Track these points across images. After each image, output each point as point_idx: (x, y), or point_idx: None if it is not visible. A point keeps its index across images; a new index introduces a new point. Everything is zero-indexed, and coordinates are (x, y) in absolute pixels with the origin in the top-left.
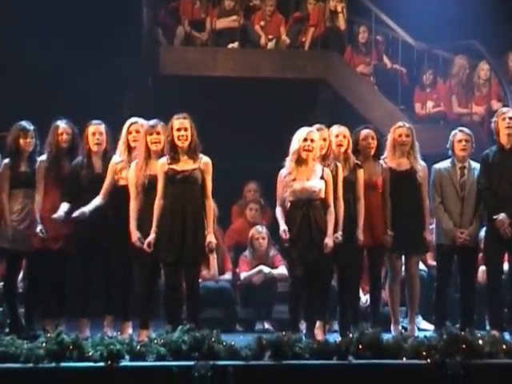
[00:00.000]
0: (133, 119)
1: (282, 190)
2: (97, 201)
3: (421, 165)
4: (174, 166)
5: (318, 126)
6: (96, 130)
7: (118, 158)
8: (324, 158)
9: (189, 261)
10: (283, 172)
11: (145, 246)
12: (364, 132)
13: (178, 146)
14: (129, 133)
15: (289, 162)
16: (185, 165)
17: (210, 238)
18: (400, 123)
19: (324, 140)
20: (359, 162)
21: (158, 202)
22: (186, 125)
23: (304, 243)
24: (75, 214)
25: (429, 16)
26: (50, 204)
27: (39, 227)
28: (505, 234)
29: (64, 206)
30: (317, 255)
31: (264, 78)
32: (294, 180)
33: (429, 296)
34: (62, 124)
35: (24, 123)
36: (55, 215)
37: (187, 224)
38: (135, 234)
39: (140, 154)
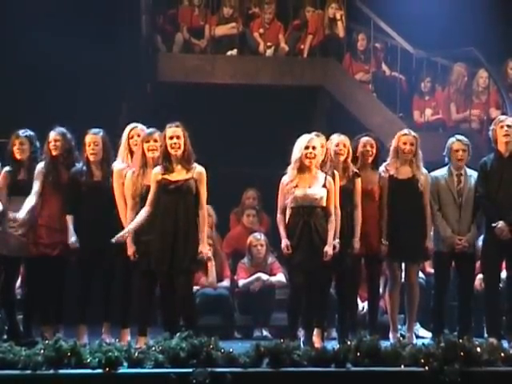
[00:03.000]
0: (133, 124)
1: (283, 198)
2: (143, 213)
3: (423, 173)
4: (167, 176)
5: (315, 133)
6: (91, 140)
7: (120, 164)
8: (322, 166)
9: (179, 270)
10: (285, 179)
11: (115, 239)
12: (364, 139)
13: (171, 154)
14: (130, 137)
15: (291, 170)
16: (178, 175)
17: (202, 248)
18: (405, 131)
19: (322, 147)
20: (357, 171)
21: (145, 208)
22: (179, 133)
23: (304, 251)
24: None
25: (428, 24)
26: (48, 211)
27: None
28: (505, 238)
29: (70, 221)
30: (317, 263)
31: (263, 85)
32: (296, 187)
33: (427, 303)
34: (52, 132)
35: (20, 130)
36: (72, 241)
37: (178, 234)
38: (131, 248)
39: (136, 162)
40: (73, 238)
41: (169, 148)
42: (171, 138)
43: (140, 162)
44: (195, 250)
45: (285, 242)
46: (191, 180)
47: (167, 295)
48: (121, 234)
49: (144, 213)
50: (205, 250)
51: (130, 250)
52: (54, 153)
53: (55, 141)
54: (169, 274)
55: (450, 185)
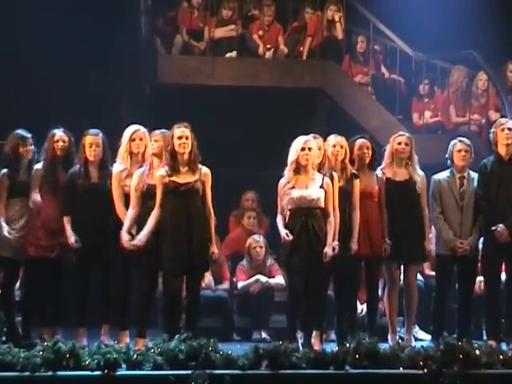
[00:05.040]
0: (135, 126)
1: (281, 200)
2: (155, 216)
3: (419, 175)
4: (174, 178)
5: (312, 135)
6: (93, 140)
7: (120, 166)
8: (319, 168)
9: (195, 271)
10: (282, 181)
11: (136, 242)
12: (359, 142)
13: (179, 154)
14: (132, 140)
15: (288, 172)
16: (186, 177)
17: (213, 249)
18: (400, 132)
19: (319, 149)
20: (356, 172)
21: (156, 211)
22: (187, 133)
23: (303, 252)
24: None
25: (427, 26)
26: (46, 213)
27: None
28: (505, 241)
29: (68, 223)
30: (315, 264)
31: (262, 88)
32: (293, 188)
33: (426, 306)
34: (58, 132)
35: (21, 131)
36: (73, 241)
37: (193, 235)
38: (125, 236)
39: (148, 160)
40: (72, 239)
41: (176, 148)
42: (180, 137)
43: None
44: (208, 250)
45: (284, 231)
46: (198, 181)
47: (172, 297)
48: (139, 238)
49: (156, 215)
50: (216, 250)
51: (124, 237)
52: (59, 153)
53: (63, 141)
54: (182, 275)
55: (452, 187)
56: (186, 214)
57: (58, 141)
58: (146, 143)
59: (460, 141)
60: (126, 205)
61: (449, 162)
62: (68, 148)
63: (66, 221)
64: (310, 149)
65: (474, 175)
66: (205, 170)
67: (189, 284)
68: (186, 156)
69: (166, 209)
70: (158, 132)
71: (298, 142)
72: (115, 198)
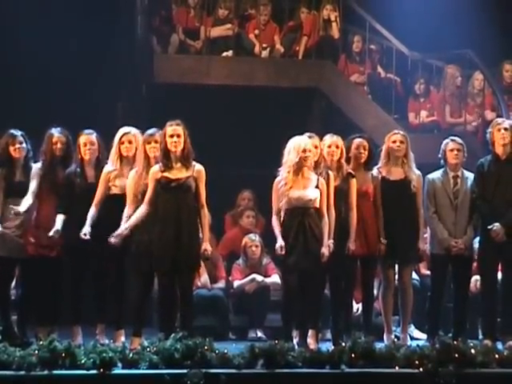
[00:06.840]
0: (125, 129)
1: (277, 199)
2: (91, 212)
3: (415, 174)
4: (167, 174)
5: (308, 134)
6: (87, 140)
7: (110, 167)
8: (315, 167)
9: (183, 268)
10: (278, 181)
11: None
12: (356, 141)
13: (171, 152)
14: (121, 143)
15: (285, 173)
16: (178, 173)
17: (206, 246)
18: (395, 131)
19: (315, 148)
20: (352, 172)
21: (142, 206)
22: (179, 131)
23: (299, 251)
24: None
25: (423, 26)
26: (45, 212)
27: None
28: (501, 240)
29: (60, 219)
30: (311, 263)
31: (258, 87)
32: (291, 188)
33: (421, 305)
34: (56, 133)
35: (11, 130)
36: (52, 232)
37: (181, 232)
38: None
39: (139, 162)
40: (52, 230)
41: (169, 146)
42: (171, 136)
43: (143, 162)
44: (199, 247)
45: (279, 242)
46: (191, 178)
47: (166, 295)
48: (118, 231)
49: (142, 211)
50: (209, 247)
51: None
52: (58, 153)
53: (61, 143)
54: (171, 273)
55: (446, 187)
56: (175, 210)
57: (56, 142)
58: (136, 145)
59: (452, 140)
60: (109, 205)
61: (442, 161)
62: (66, 148)
63: (59, 217)
64: (310, 150)
65: (468, 174)
66: (198, 166)
67: (180, 282)
68: (178, 153)
69: (157, 204)
70: (151, 132)
71: (299, 144)
72: (97, 194)
